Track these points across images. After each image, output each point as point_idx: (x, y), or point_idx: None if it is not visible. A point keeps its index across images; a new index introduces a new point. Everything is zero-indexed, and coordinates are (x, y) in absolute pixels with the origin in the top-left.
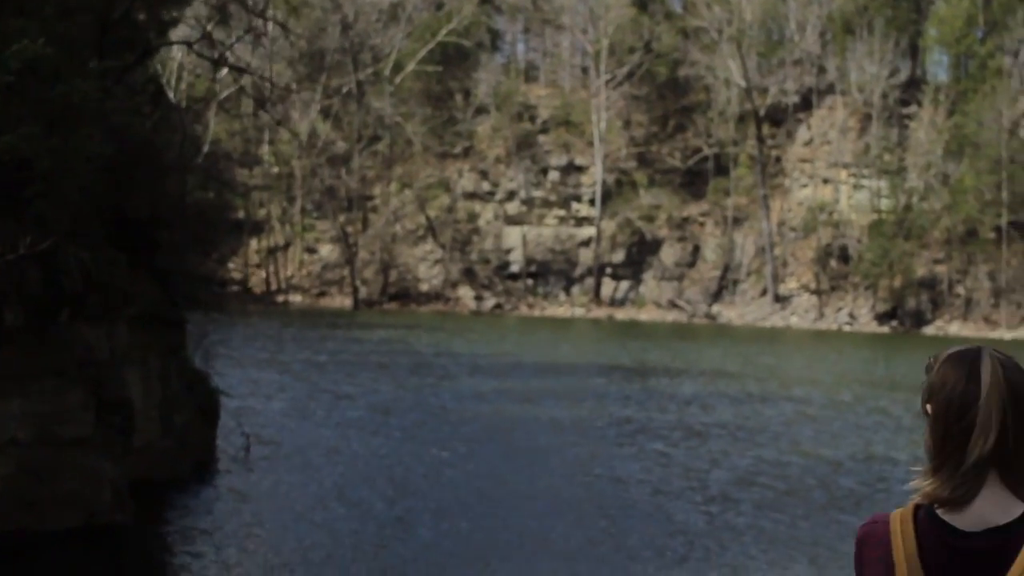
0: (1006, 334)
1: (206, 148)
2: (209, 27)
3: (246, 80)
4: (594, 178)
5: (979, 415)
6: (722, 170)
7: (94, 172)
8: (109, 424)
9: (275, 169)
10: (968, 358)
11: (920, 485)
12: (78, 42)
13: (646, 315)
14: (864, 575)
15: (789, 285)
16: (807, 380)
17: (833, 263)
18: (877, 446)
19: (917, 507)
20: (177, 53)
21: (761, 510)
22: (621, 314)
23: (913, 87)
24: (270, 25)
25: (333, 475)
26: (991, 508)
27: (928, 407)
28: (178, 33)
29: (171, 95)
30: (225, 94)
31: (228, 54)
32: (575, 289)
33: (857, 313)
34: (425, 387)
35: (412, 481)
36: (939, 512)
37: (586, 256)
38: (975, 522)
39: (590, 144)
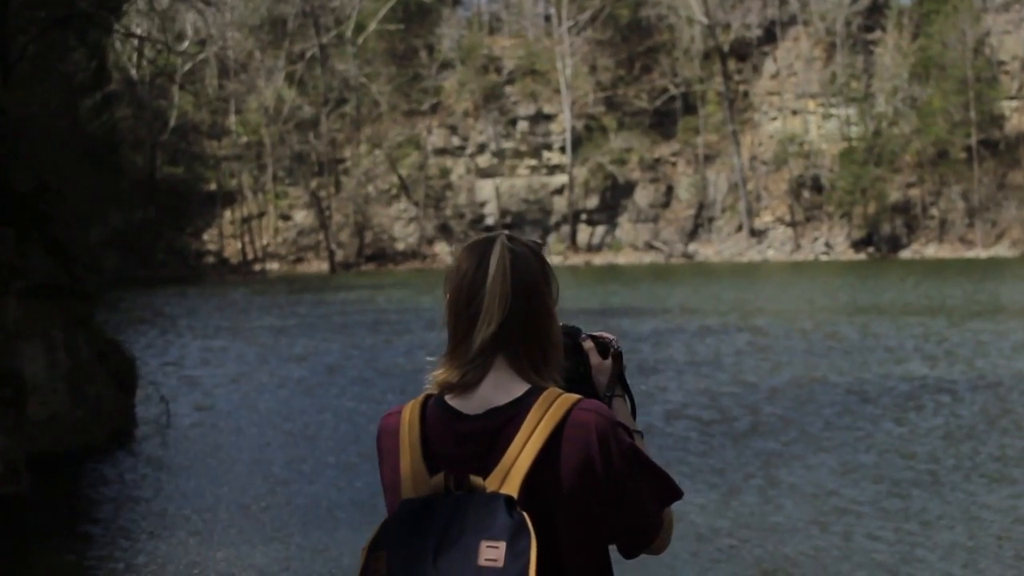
0: (982, 253)
1: (172, 123)
2: None
3: (208, 52)
4: (563, 125)
5: (484, 302)
6: (690, 109)
7: None
8: None
9: (244, 139)
10: (481, 247)
11: (434, 374)
12: None
13: (624, 259)
14: (381, 466)
15: (764, 219)
16: (769, 311)
17: (806, 194)
18: (818, 370)
19: (428, 396)
20: (136, 28)
21: (682, 442)
22: (599, 259)
23: (876, 12)
24: None
25: (258, 437)
26: (494, 391)
27: (446, 296)
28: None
29: (133, 73)
30: (187, 67)
31: (188, 26)
32: (551, 238)
33: (833, 242)
34: (379, 344)
35: (341, 439)
36: (447, 398)
37: (560, 204)
38: (478, 405)
39: (557, 92)
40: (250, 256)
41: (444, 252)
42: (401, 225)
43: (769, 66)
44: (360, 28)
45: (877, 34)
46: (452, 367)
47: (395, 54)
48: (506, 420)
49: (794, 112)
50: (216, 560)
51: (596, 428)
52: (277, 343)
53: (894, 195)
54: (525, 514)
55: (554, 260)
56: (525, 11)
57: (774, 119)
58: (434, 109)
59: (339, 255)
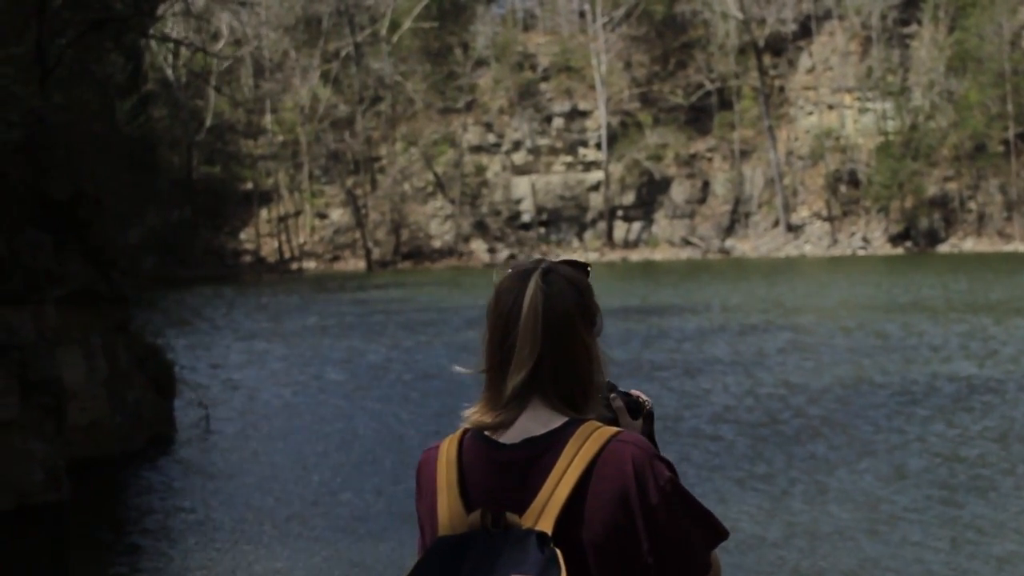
0: (1020, 247)
1: (208, 122)
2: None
3: (244, 51)
4: (599, 122)
5: (515, 345)
6: (726, 104)
7: (8, 156)
8: (38, 405)
9: (279, 138)
10: (518, 283)
11: (468, 413)
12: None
13: (660, 254)
14: (418, 501)
15: (801, 214)
16: (810, 308)
17: (843, 188)
18: (864, 371)
19: (466, 430)
20: (171, 30)
21: (728, 446)
22: (635, 255)
23: (912, 6)
24: None
25: (300, 443)
26: (532, 423)
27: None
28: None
29: (169, 73)
30: (224, 66)
31: (223, 26)
32: (587, 234)
33: (870, 236)
34: (420, 345)
35: (385, 445)
36: (485, 431)
37: (596, 200)
38: (516, 435)
39: (592, 88)
40: (287, 255)
41: (480, 249)
42: (437, 223)
43: (804, 61)
44: (395, 26)
45: (913, 27)
46: (486, 409)
47: (430, 52)
48: (543, 450)
49: (830, 107)
50: (260, 571)
51: (632, 460)
52: (318, 344)
53: (931, 189)
54: (557, 550)
55: (590, 256)
56: (559, 8)
57: (810, 114)
58: (469, 107)
59: (375, 253)
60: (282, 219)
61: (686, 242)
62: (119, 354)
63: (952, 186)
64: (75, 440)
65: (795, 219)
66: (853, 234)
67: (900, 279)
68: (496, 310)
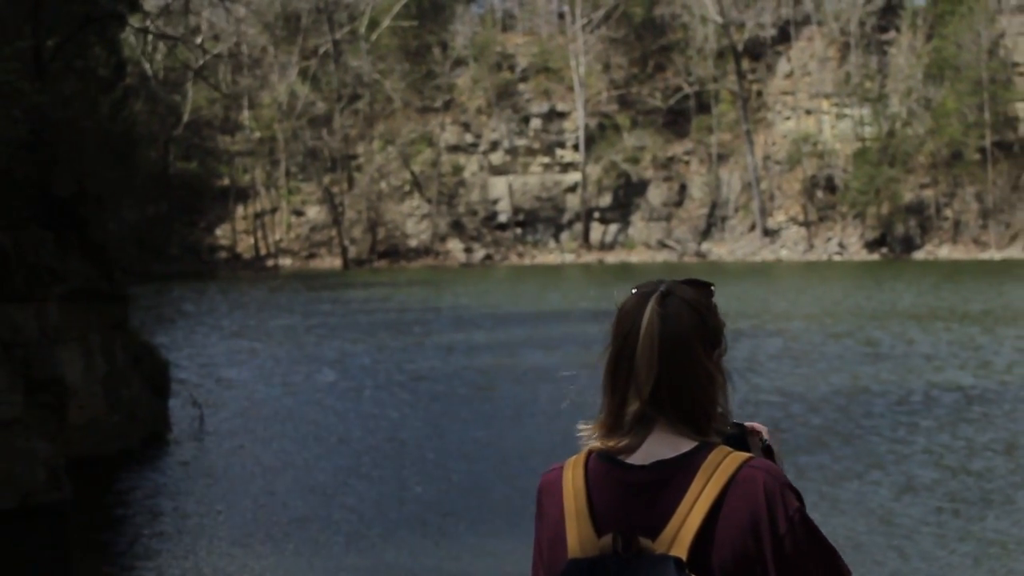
0: (996, 254)
1: (186, 118)
2: None
3: (222, 47)
4: (576, 123)
5: (635, 367)
6: (704, 107)
7: (12, 153)
8: (41, 404)
9: (257, 134)
10: (638, 307)
11: (591, 438)
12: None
13: (636, 257)
14: (539, 522)
15: (777, 218)
16: (797, 314)
17: (820, 194)
18: (860, 379)
19: (590, 451)
20: (150, 25)
21: None
22: (611, 257)
23: (890, 13)
24: None
25: (288, 441)
26: (659, 447)
27: (606, 349)
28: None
29: (147, 68)
30: (201, 62)
31: (201, 23)
32: (564, 235)
33: (847, 242)
34: (406, 346)
35: (380, 449)
36: (611, 454)
37: (573, 202)
38: (644, 457)
39: (570, 89)
40: (263, 252)
41: (457, 249)
42: (414, 222)
43: (783, 66)
44: (374, 24)
45: (891, 34)
46: (609, 432)
47: (408, 51)
48: (673, 474)
49: (808, 112)
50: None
51: (764, 487)
52: (305, 343)
53: (908, 196)
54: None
55: (566, 258)
56: (539, 8)
57: (788, 119)
58: (447, 106)
59: (352, 251)
60: (258, 216)
61: (662, 245)
62: (116, 352)
63: (928, 193)
64: (73, 439)
65: (771, 223)
66: (829, 239)
67: (880, 286)
68: (617, 332)
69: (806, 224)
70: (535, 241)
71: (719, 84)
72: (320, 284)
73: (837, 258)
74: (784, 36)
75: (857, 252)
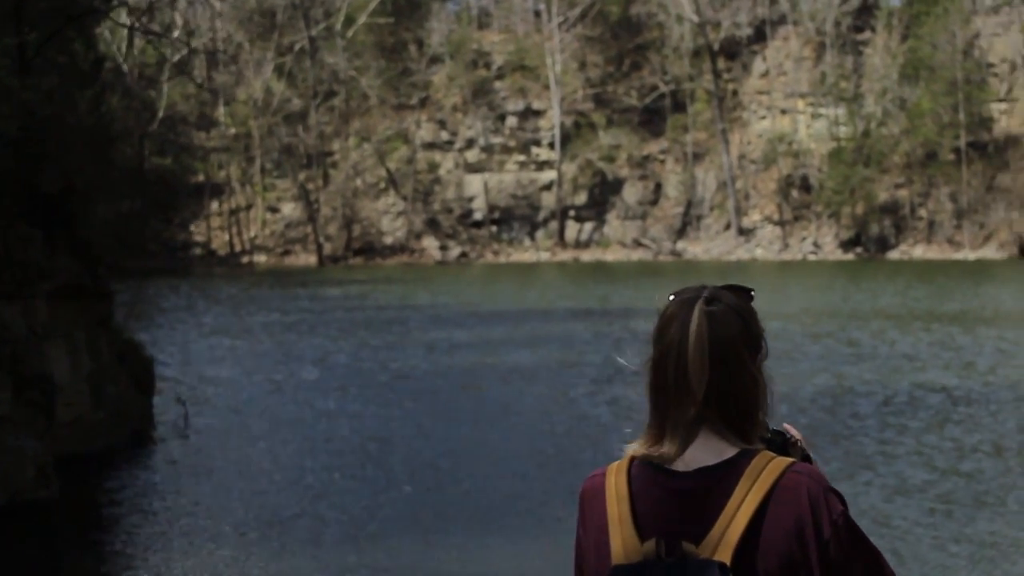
0: (970, 255)
1: (161, 113)
2: None
3: (196, 43)
4: (552, 121)
5: (686, 373)
6: (679, 106)
7: (0, 148)
8: (29, 401)
9: (232, 130)
10: (684, 311)
11: (633, 445)
12: None
13: (611, 255)
14: (582, 527)
15: (752, 217)
16: (777, 314)
17: (795, 193)
18: (845, 380)
19: (632, 458)
20: (126, 20)
21: None
22: (586, 255)
23: (866, 13)
24: None
25: (274, 440)
26: (703, 453)
27: (650, 355)
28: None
29: (123, 64)
30: (176, 58)
31: (176, 18)
32: (539, 233)
33: (821, 242)
34: (387, 344)
35: (355, 442)
36: (654, 460)
37: (548, 200)
38: (687, 463)
39: (546, 88)
40: (237, 248)
41: (432, 247)
42: (389, 219)
43: (758, 65)
44: (350, 21)
45: (867, 35)
46: (654, 438)
47: (384, 48)
48: (717, 480)
49: (783, 111)
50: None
51: (808, 492)
52: (287, 341)
53: (882, 196)
54: None
55: (542, 256)
56: (515, 6)
57: (763, 118)
58: (423, 103)
59: (327, 248)
60: (233, 212)
61: (637, 243)
62: (101, 349)
63: (903, 193)
64: (59, 436)
65: (746, 223)
66: (804, 239)
67: (856, 285)
68: (661, 338)
69: (781, 223)
70: (510, 239)
71: (695, 83)
72: (296, 281)
73: (812, 257)
74: (760, 35)
75: (832, 252)
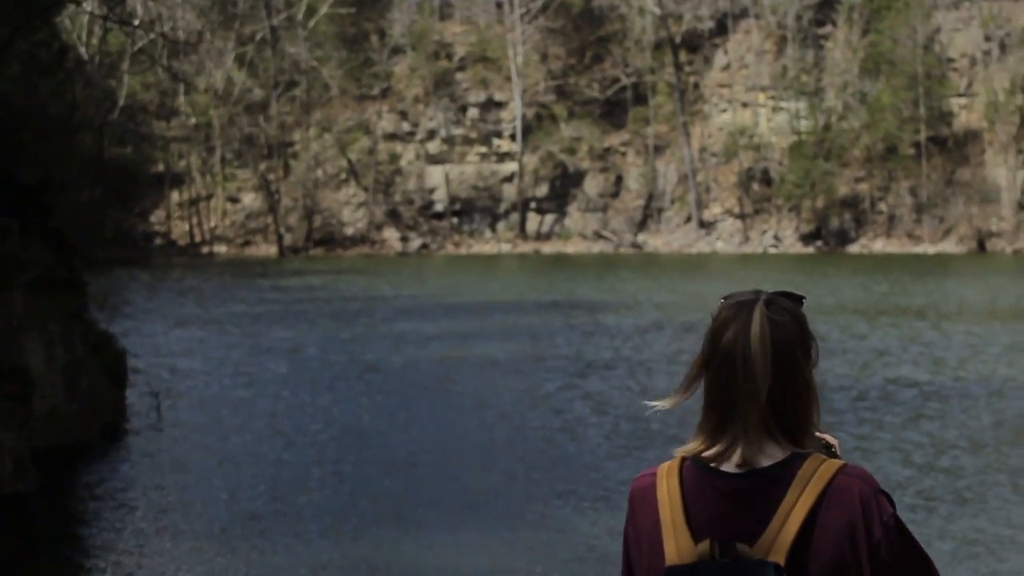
0: (929, 248)
1: (121, 102)
2: None
3: (157, 32)
4: (514, 113)
5: (748, 377)
6: (641, 99)
7: None
8: (6, 393)
9: (192, 120)
10: (744, 315)
11: (688, 445)
12: None
13: (572, 247)
14: (635, 527)
15: (713, 211)
16: None
17: (756, 186)
18: (817, 374)
19: (683, 459)
20: (87, 6)
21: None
22: (547, 247)
23: (827, 7)
24: None
25: (248, 433)
26: (755, 455)
27: (704, 355)
28: None
29: (83, 52)
30: (138, 47)
31: (138, 6)
32: (500, 225)
33: (782, 235)
34: (355, 336)
35: (325, 434)
36: (706, 461)
37: (510, 191)
38: (740, 465)
39: (508, 79)
40: (197, 238)
41: (393, 238)
42: (350, 210)
43: (720, 58)
44: (311, 11)
45: (828, 29)
46: (706, 439)
47: (346, 38)
48: (770, 482)
49: (744, 105)
50: (221, 570)
51: (860, 494)
52: (254, 333)
53: (843, 189)
54: None
55: (502, 248)
56: None
57: (724, 111)
58: (384, 94)
59: (287, 239)
60: (193, 202)
61: (598, 236)
62: (75, 342)
63: (863, 187)
64: (34, 429)
65: (707, 216)
66: (764, 232)
67: (818, 279)
68: (717, 341)
69: (742, 216)
70: (471, 231)
71: (656, 76)
72: (257, 272)
73: (772, 251)
74: (721, 29)
75: (792, 245)
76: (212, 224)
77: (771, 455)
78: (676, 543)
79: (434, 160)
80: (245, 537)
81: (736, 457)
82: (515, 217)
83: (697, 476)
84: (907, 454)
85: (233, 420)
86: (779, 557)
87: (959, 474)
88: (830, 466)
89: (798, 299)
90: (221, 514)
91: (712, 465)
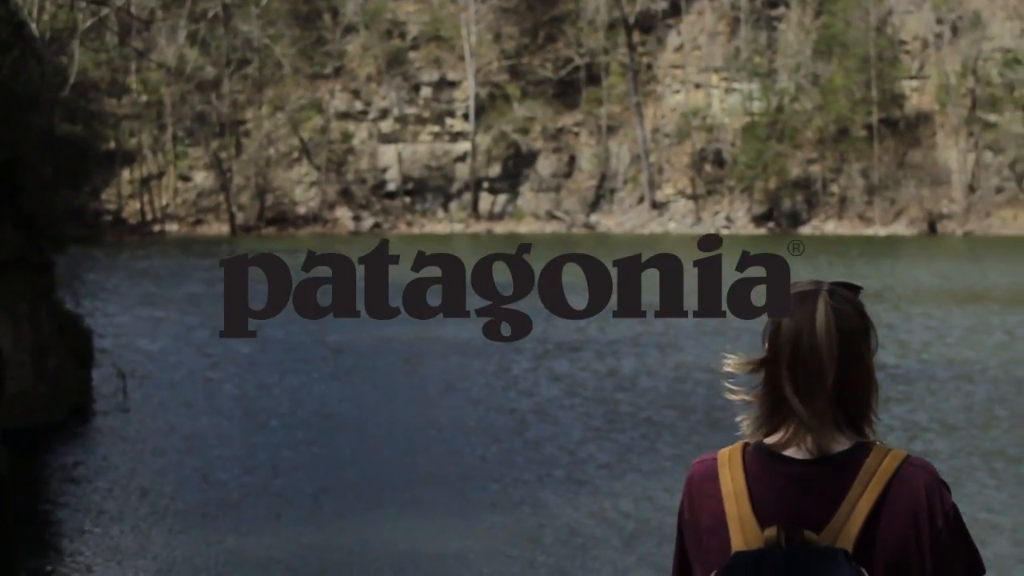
0: (880, 231)
1: (72, 80)
2: None
3: (113, 7)
4: (467, 93)
5: (815, 365)
6: (594, 79)
7: None
8: None
9: (144, 98)
10: (809, 305)
11: (750, 430)
12: None
13: (525, 227)
14: (695, 511)
15: (666, 191)
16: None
17: (708, 167)
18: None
19: (746, 443)
20: None
21: (673, 430)
22: (500, 228)
23: None
24: None
25: (216, 415)
26: (822, 442)
27: (766, 347)
28: None
29: (33, 28)
30: (88, 24)
31: None
32: (453, 205)
33: (734, 216)
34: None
35: (295, 417)
36: (769, 445)
37: (462, 171)
38: (805, 452)
39: (461, 59)
40: (149, 217)
41: (345, 217)
42: (302, 189)
43: (673, 39)
44: None
45: (781, 10)
46: (768, 426)
47: (299, 16)
48: (837, 470)
49: (697, 86)
50: (194, 553)
51: (924, 485)
52: (214, 313)
53: (795, 171)
54: (863, 569)
55: (455, 228)
56: None
57: (677, 92)
58: (337, 73)
59: (239, 218)
60: (145, 181)
61: (551, 216)
62: (43, 322)
63: (815, 168)
64: (4, 410)
65: (660, 196)
66: (717, 213)
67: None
68: (781, 330)
69: (694, 197)
70: (424, 210)
71: (610, 56)
72: (210, 251)
73: (724, 232)
74: (675, 10)
75: (744, 226)
76: (163, 202)
77: (838, 443)
78: (742, 529)
79: (387, 139)
80: (220, 518)
81: (807, 444)
82: (468, 197)
83: (761, 462)
84: (880, 438)
85: (200, 402)
86: (846, 545)
87: (934, 458)
88: (895, 457)
89: (856, 289)
90: (194, 496)
91: (779, 451)
